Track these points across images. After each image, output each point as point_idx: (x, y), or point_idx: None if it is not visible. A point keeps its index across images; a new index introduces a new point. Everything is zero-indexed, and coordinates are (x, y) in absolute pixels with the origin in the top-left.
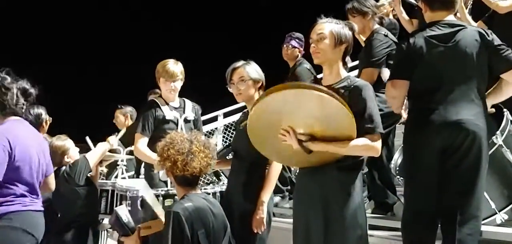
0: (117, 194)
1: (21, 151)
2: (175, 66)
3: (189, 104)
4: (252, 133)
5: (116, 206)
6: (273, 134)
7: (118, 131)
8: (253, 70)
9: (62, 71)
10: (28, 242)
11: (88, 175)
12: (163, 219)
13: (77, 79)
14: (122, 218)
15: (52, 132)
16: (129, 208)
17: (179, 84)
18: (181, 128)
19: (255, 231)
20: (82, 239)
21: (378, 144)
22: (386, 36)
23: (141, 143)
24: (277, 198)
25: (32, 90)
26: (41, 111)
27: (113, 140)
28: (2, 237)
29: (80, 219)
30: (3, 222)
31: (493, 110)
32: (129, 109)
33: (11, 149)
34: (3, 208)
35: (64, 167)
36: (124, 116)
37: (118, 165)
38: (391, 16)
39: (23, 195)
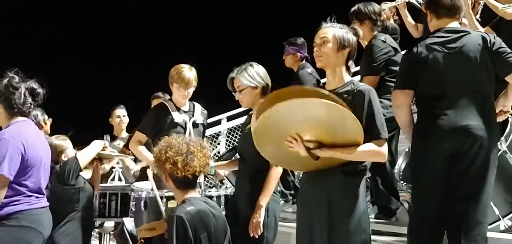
0: (128, 196)
1: (32, 153)
2: (190, 73)
3: (198, 108)
4: (258, 141)
5: (122, 210)
6: (279, 141)
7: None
8: (246, 77)
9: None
10: (36, 238)
11: (85, 175)
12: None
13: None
14: (128, 228)
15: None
16: (133, 209)
17: (192, 91)
18: (189, 132)
19: (257, 235)
20: (74, 238)
21: (385, 149)
22: (384, 41)
23: (138, 140)
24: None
25: (40, 90)
26: (37, 112)
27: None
28: (12, 235)
29: (71, 218)
30: (12, 222)
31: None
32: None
33: (25, 152)
34: (11, 208)
35: (56, 166)
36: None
37: (114, 168)
38: (391, 21)
39: (30, 195)
